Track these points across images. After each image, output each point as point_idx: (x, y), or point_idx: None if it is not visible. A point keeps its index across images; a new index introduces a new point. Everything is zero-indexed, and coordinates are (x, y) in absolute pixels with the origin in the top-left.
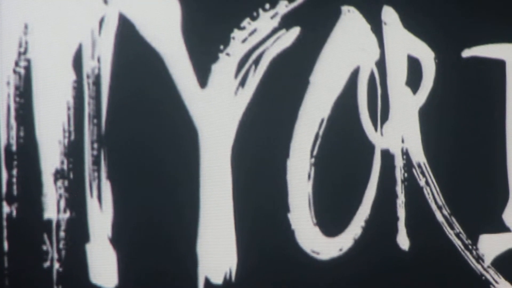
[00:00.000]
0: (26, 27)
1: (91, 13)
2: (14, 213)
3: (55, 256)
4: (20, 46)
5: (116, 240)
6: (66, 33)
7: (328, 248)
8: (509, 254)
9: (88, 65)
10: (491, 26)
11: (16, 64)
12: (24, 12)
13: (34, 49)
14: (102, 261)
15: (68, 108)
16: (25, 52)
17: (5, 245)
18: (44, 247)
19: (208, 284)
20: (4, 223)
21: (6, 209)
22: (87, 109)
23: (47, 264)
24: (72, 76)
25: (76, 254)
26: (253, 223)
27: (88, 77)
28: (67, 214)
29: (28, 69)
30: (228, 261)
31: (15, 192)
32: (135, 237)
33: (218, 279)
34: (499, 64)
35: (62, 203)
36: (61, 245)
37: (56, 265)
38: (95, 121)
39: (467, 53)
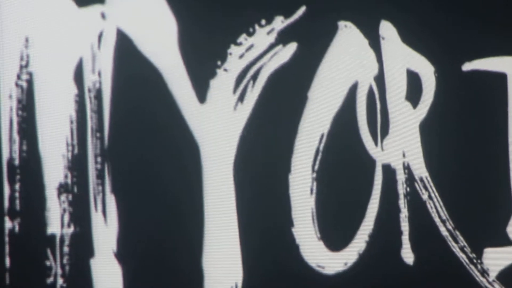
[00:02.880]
0: (27, 40)
1: (90, 28)
2: (17, 228)
3: (59, 271)
4: (21, 59)
5: (121, 254)
6: (67, 46)
7: (333, 262)
8: None
9: (89, 79)
10: (491, 39)
11: (18, 77)
12: (25, 25)
13: (35, 63)
14: (107, 276)
15: (71, 122)
16: (26, 66)
17: (7, 261)
18: (48, 263)
19: None
20: (6, 239)
21: (8, 224)
22: (90, 123)
23: (50, 280)
24: (74, 90)
25: (80, 270)
26: (258, 238)
27: (89, 91)
28: (71, 229)
29: (30, 82)
30: (234, 276)
31: (17, 207)
32: (141, 252)
33: None
34: (501, 77)
35: (66, 218)
36: (65, 261)
37: (60, 281)
38: (98, 134)
39: (467, 66)
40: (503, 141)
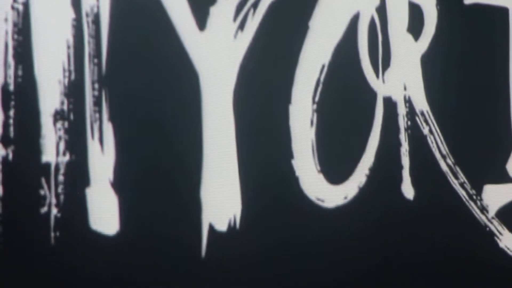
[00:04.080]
0: None
1: None
2: (11, 156)
3: (53, 201)
4: None
5: (118, 184)
6: None
7: (333, 195)
8: None
9: (87, 3)
10: None
11: (14, 0)
12: None
13: None
14: (103, 206)
15: (68, 47)
16: None
17: (0, 190)
18: (42, 192)
19: (212, 231)
20: (0, 167)
21: (1, 151)
22: (87, 48)
23: (44, 209)
24: (71, 14)
25: (75, 199)
26: (257, 170)
27: (87, 15)
28: (67, 157)
29: (26, 5)
30: (233, 208)
31: (11, 134)
32: (138, 182)
33: (222, 226)
34: (502, 12)
35: (62, 146)
36: (59, 190)
37: (54, 211)
38: (95, 60)
39: (469, 0)
40: (504, 76)
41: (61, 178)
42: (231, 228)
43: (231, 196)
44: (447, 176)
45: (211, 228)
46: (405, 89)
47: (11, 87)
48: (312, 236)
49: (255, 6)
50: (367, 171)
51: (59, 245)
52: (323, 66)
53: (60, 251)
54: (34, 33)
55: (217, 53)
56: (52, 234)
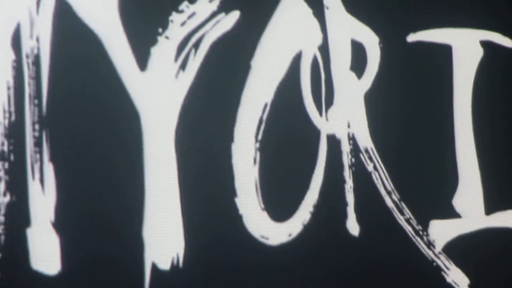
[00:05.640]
0: None
1: None
2: None
3: None
4: None
5: (59, 224)
6: (4, 11)
7: (277, 233)
8: (459, 240)
9: (27, 45)
10: (437, 10)
11: None
12: None
13: None
14: (44, 246)
15: (8, 88)
16: None
17: None
18: None
19: (155, 270)
20: None
21: None
22: (28, 90)
23: None
24: (12, 56)
25: (16, 239)
26: (200, 208)
27: (27, 56)
28: (7, 198)
29: None
30: (176, 246)
31: None
32: (79, 221)
33: (165, 265)
34: (446, 49)
35: (2, 186)
36: (0, 230)
37: None
38: (36, 101)
39: (412, 37)
40: (449, 113)
41: (1, 218)
42: (174, 267)
43: (174, 235)
44: (393, 212)
45: (154, 267)
46: (348, 126)
47: None
48: (257, 273)
49: (196, 46)
50: (311, 209)
51: (0, 286)
52: (266, 105)
53: None
54: None
55: (158, 93)
56: None
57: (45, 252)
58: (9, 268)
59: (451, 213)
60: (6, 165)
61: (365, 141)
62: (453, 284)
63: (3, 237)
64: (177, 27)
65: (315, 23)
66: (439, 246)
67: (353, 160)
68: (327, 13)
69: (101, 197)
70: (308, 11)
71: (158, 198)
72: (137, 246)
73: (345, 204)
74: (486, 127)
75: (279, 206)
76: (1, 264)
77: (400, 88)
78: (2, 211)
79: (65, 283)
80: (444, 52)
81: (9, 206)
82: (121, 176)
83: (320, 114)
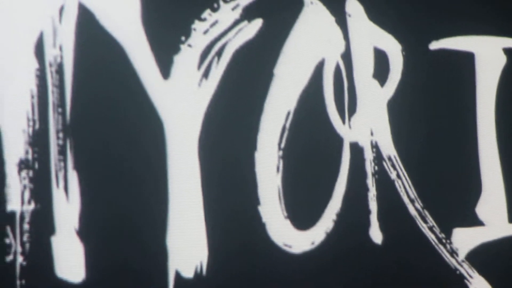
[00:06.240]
0: None
1: (51, 1)
2: None
3: (19, 249)
4: None
5: (83, 232)
6: (27, 20)
7: (300, 241)
8: (482, 248)
9: (50, 53)
10: (459, 18)
11: None
12: None
13: None
14: (69, 254)
15: (32, 97)
16: None
17: None
18: (7, 240)
19: (179, 278)
20: None
21: None
22: (51, 98)
23: (10, 258)
24: (35, 64)
25: (41, 247)
26: (223, 216)
27: (50, 65)
28: (32, 206)
29: None
30: (199, 255)
31: None
32: (103, 229)
33: (188, 273)
34: (468, 57)
35: (27, 194)
36: (25, 238)
37: (20, 259)
38: (59, 110)
39: (435, 45)
40: (472, 120)
41: (26, 226)
42: (198, 275)
43: (197, 243)
44: (416, 220)
45: (178, 275)
46: (371, 134)
47: None
48: (280, 282)
49: (219, 54)
50: (334, 217)
51: None
52: (289, 113)
53: None
54: None
55: (181, 102)
56: (18, 282)
57: (69, 260)
58: (34, 276)
59: (475, 221)
60: (31, 173)
61: (388, 149)
62: None
63: (28, 245)
64: (200, 35)
65: (337, 31)
66: (462, 254)
67: (376, 168)
68: (350, 21)
69: (125, 205)
70: (330, 19)
71: (182, 206)
72: (160, 254)
73: (368, 212)
74: (510, 134)
75: (302, 215)
76: (26, 272)
77: (423, 96)
78: (27, 219)
79: None
80: (467, 60)
81: (34, 214)
82: (145, 185)
83: (343, 122)
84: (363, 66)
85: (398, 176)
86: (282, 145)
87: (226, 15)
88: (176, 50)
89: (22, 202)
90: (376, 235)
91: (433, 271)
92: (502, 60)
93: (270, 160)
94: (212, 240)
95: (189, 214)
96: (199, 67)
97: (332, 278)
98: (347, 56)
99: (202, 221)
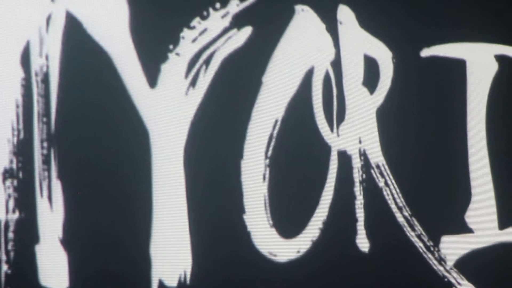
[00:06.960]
0: None
1: (38, 10)
2: None
3: (3, 257)
4: None
5: (67, 241)
6: (14, 29)
7: (285, 250)
8: (471, 255)
9: (36, 63)
10: (451, 24)
11: None
12: None
13: None
14: (53, 263)
15: (17, 106)
16: None
17: None
18: None
19: (162, 287)
20: None
21: None
22: (36, 107)
23: None
24: (21, 74)
25: (25, 256)
26: (208, 225)
27: (36, 75)
28: (16, 215)
29: None
30: (183, 263)
31: None
32: (87, 238)
33: (172, 282)
34: (460, 64)
35: (11, 203)
36: (9, 247)
37: (4, 267)
38: (44, 119)
39: (426, 52)
40: (462, 128)
41: (10, 235)
42: (181, 284)
43: (181, 251)
44: (404, 228)
45: (161, 284)
46: (360, 142)
47: None
48: None
49: (207, 62)
50: (320, 225)
51: None
52: (276, 121)
53: None
54: None
55: (168, 110)
56: None
57: (53, 268)
58: (18, 284)
59: (464, 229)
60: (15, 182)
61: (377, 157)
62: None
63: (12, 254)
64: (188, 43)
65: (328, 38)
66: (450, 261)
67: (364, 176)
68: (340, 28)
69: (109, 214)
70: (321, 26)
71: (166, 215)
72: (144, 263)
73: (355, 220)
74: (500, 142)
75: (288, 223)
76: (10, 280)
77: (413, 103)
78: (11, 228)
79: None
80: (458, 67)
81: (18, 223)
82: (129, 193)
83: (331, 129)
84: (353, 74)
85: (386, 184)
86: (269, 154)
87: (215, 23)
88: (164, 58)
89: (7, 211)
90: (363, 243)
91: (421, 279)
92: (494, 67)
93: (256, 168)
94: (197, 249)
95: (173, 223)
96: (186, 75)
97: (318, 286)
98: (337, 64)
99: (187, 230)
